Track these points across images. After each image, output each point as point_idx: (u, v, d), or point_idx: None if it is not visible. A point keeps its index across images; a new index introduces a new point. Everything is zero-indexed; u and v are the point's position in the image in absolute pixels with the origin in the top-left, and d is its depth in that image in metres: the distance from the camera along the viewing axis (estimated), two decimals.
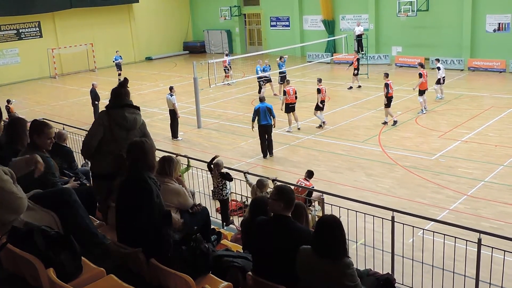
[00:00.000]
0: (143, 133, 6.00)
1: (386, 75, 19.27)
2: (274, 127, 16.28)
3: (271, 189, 8.06)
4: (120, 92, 6.02)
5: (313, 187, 11.42)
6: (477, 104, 21.14)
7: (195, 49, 43.05)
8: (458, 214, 11.46)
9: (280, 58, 24.35)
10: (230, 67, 27.36)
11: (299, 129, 18.73)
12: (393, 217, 7.80)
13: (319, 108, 18.89)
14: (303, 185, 11.16)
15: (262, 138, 16.19)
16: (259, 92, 23.23)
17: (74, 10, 35.87)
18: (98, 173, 6.05)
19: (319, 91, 18.68)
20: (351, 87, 25.13)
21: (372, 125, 18.84)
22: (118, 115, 5.85)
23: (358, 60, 25.41)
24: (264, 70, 23.60)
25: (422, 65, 21.34)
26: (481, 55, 29.07)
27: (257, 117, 16.01)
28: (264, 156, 16.16)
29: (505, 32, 28.45)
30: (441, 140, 16.79)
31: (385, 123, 18.77)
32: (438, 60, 22.69)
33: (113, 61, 31.74)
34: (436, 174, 13.89)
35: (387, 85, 18.53)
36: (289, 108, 18.46)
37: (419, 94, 20.26)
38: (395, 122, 18.68)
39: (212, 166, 10.39)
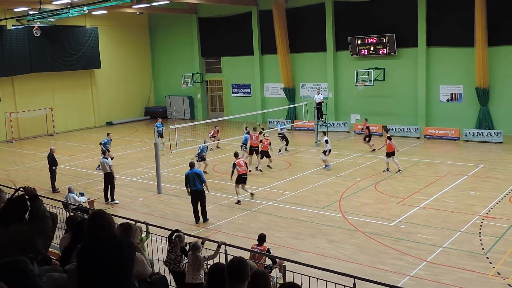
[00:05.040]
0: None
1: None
2: (208, 191, 16.50)
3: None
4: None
5: (268, 249, 11.26)
6: (433, 171, 21.66)
7: (156, 114, 42.91)
8: (419, 280, 11.46)
9: (246, 128, 24.80)
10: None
11: (238, 202, 18.04)
12: (354, 284, 7.74)
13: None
14: (256, 251, 10.98)
15: (193, 204, 16.31)
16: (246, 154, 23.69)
17: (34, 74, 35.67)
18: None
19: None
20: (373, 150, 25.42)
21: (333, 191, 18.99)
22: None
23: (367, 127, 26.25)
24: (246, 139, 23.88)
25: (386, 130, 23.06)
26: (436, 123, 30.14)
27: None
28: (196, 222, 16.21)
29: (457, 102, 29.71)
30: (400, 206, 17.00)
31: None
32: (325, 133, 23.73)
33: (157, 127, 25.00)
34: (396, 240, 13.97)
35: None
36: (241, 179, 18.01)
37: (386, 156, 21.64)
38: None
39: (173, 237, 10.12)
